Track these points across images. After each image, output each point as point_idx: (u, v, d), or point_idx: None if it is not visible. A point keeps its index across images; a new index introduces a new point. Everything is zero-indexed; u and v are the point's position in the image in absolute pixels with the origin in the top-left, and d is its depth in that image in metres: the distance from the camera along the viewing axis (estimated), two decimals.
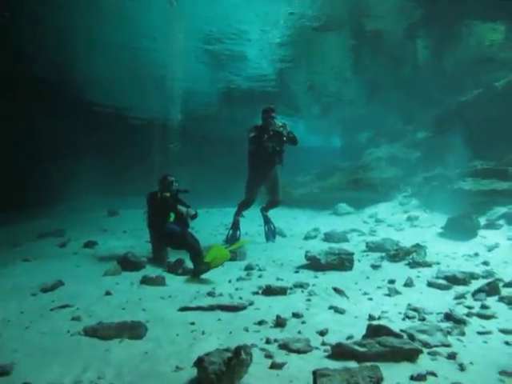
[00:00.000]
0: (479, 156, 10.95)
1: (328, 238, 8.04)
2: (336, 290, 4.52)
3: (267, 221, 8.32)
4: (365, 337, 3.02)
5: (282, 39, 12.79)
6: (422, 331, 3.15)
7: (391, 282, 4.82)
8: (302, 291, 4.63)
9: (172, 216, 6.23)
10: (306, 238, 8.45)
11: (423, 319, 3.62)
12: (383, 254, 6.33)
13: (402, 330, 3.17)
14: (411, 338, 3.04)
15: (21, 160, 12.17)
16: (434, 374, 2.59)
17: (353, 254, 5.72)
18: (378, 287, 4.66)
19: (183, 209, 6.19)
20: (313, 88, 17.32)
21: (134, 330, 3.23)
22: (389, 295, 4.37)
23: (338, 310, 3.89)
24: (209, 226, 10.21)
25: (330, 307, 3.99)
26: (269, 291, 4.49)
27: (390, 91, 17.40)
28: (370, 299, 4.26)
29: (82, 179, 13.83)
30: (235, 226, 8.18)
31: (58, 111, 13.57)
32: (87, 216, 11.18)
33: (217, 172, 18.44)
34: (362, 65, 15.72)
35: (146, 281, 4.83)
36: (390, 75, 16.60)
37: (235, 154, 20.32)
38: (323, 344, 3.08)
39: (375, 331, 3.00)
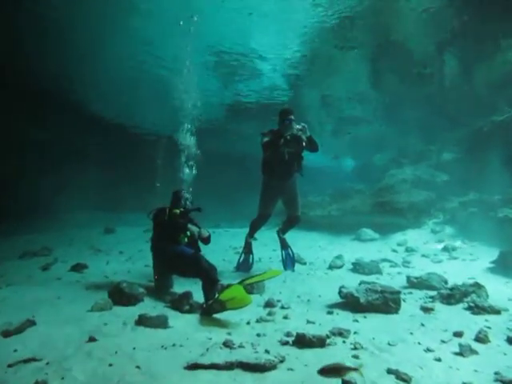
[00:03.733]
0: None
1: (357, 268, 7.08)
2: (390, 344, 3.57)
3: (285, 245, 7.39)
4: None
5: (298, 54, 12.26)
6: None
7: (458, 334, 3.84)
8: (344, 341, 3.68)
9: (184, 238, 5.31)
10: (331, 267, 7.48)
11: None
12: (431, 293, 5.38)
13: None
14: None
15: (9, 170, 11.39)
16: None
17: (399, 292, 4.76)
18: (443, 341, 3.69)
19: (195, 229, 5.30)
20: (327, 105, 16.63)
21: None
22: (461, 355, 3.40)
23: (402, 377, 2.94)
24: (216, 249, 9.22)
25: (389, 371, 3.04)
26: (302, 342, 3.54)
27: (410, 109, 16.70)
28: (438, 360, 3.29)
29: (77, 192, 13.03)
30: (247, 249, 7.29)
31: (53, 120, 12.91)
32: (80, 233, 10.28)
33: (223, 189, 17.64)
34: (382, 80, 15.05)
35: (142, 321, 3.88)
36: (412, 92, 15.89)
37: (243, 170, 19.73)
38: None
39: None
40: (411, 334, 3.88)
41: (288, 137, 6.64)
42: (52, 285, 5.37)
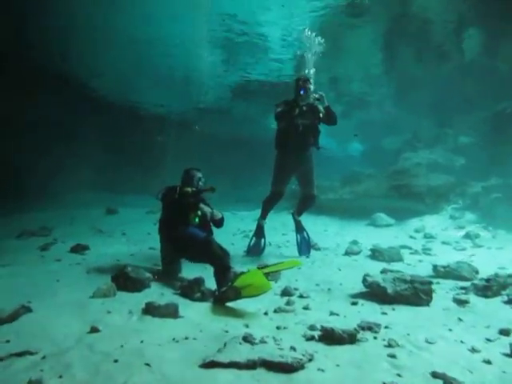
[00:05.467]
0: None
1: (376, 254, 6.72)
2: (429, 342, 3.21)
3: (300, 228, 7.02)
4: None
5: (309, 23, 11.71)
6: None
7: (504, 332, 3.46)
8: (375, 337, 3.31)
9: (195, 218, 4.93)
10: (348, 253, 7.12)
11: None
12: (462, 284, 5.01)
13: None
14: None
15: (9, 148, 11.01)
16: None
17: (431, 282, 4.38)
18: (488, 340, 3.32)
19: (207, 209, 4.92)
20: (336, 83, 16.03)
21: None
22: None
23: (451, 383, 2.57)
24: (223, 233, 8.88)
25: (435, 375, 2.67)
26: (331, 338, 3.17)
27: (424, 90, 16.15)
28: (488, 362, 2.91)
29: (78, 172, 12.70)
30: (259, 232, 6.93)
31: (54, 98, 12.51)
32: (81, 213, 9.94)
33: (229, 171, 17.25)
34: (395, 58, 14.48)
35: (150, 310, 3.53)
36: (428, 71, 15.31)
37: (250, 152, 19.33)
38: None
39: None
40: (450, 330, 3.51)
41: (304, 107, 6.23)
42: (51, 266, 5.03)
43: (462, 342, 3.25)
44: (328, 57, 13.68)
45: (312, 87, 6.37)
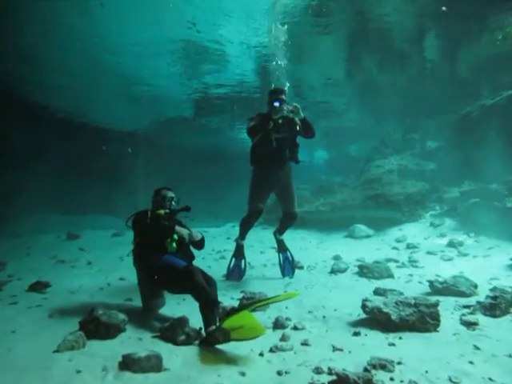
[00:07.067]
0: None
1: (364, 271, 6.40)
2: (454, 382, 2.85)
3: (282, 248, 6.65)
4: None
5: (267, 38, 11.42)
6: None
7: None
8: (392, 379, 2.93)
9: (172, 243, 4.43)
10: (334, 271, 6.78)
11: None
12: (462, 301, 4.73)
13: None
14: None
15: None
16: None
17: (437, 304, 4.05)
18: None
19: (184, 232, 4.44)
20: (298, 93, 15.87)
21: None
22: None
23: None
24: (196, 254, 8.42)
25: None
26: None
27: (388, 97, 16.28)
28: None
29: (34, 194, 11.88)
30: (239, 253, 6.49)
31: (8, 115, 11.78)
32: (39, 240, 9.19)
33: (196, 184, 16.76)
34: (357, 66, 14.46)
35: (129, 364, 3.00)
36: (390, 78, 15.41)
37: (217, 166, 18.91)
38: None
39: None
40: (471, 363, 3.16)
41: (280, 120, 5.86)
42: (5, 312, 4.37)
43: (490, 379, 2.90)
44: (291, 64, 13.59)
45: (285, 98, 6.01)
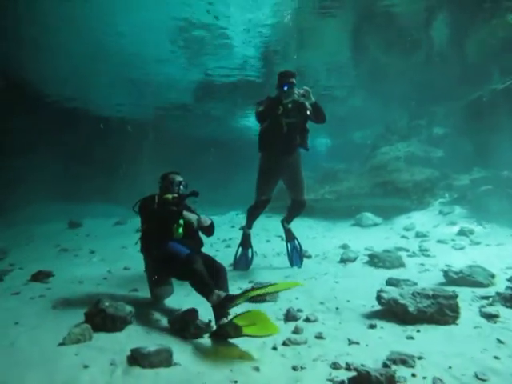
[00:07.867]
0: None
1: (375, 261, 6.26)
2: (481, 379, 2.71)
3: (290, 237, 6.51)
4: None
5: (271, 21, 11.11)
6: None
7: None
8: (413, 375, 2.79)
9: (179, 229, 4.28)
10: (343, 260, 6.64)
11: None
12: (479, 292, 4.59)
13: None
14: None
15: None
16: None
17: (456, 296, 3.91)
18: None
19: (192, 217, 4.25)
20: (303, 78, 15.64)
21: None
22: None
23: None
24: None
25: None
26: (366, 382, 2.63)
27: (394, 82, 16.03)
28: None
29: (35, 182, 11.74)
30: (245, 242, 6.36)
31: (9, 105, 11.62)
32: (41, 229, 9.07)
33: (200, 172, 16.62)
34: (363, 51, 14.21)
35: (138, 359, 2.88)
36: (396, 63, 15.15)
37: (220, 154, 18.71)
38: None
39: None
40: (496, 358, 3.03)
41: (289, 105, 5.66)
42: (8, 302, 4.26)
43: None
44: (295, 48, 13.33)
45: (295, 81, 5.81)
